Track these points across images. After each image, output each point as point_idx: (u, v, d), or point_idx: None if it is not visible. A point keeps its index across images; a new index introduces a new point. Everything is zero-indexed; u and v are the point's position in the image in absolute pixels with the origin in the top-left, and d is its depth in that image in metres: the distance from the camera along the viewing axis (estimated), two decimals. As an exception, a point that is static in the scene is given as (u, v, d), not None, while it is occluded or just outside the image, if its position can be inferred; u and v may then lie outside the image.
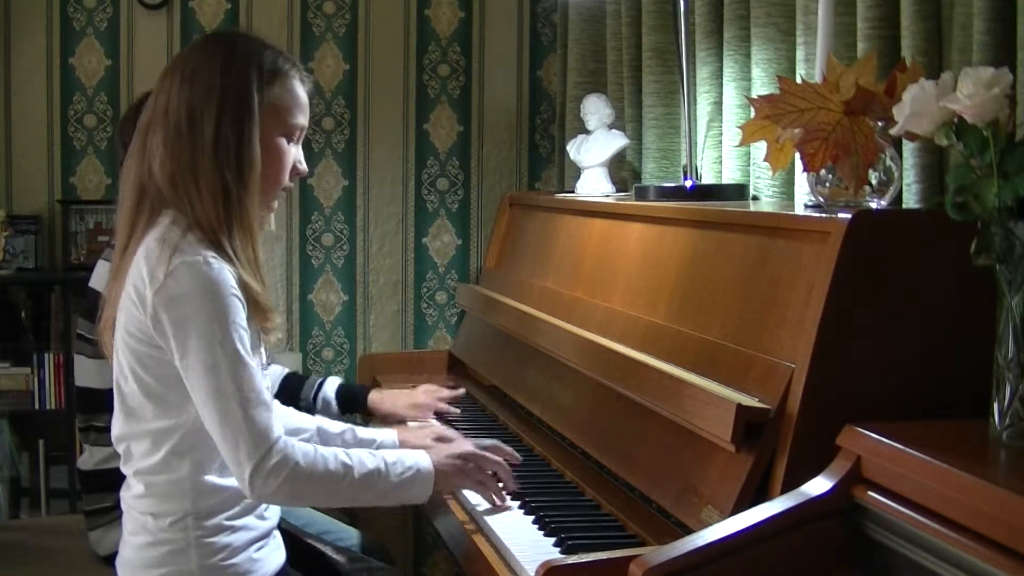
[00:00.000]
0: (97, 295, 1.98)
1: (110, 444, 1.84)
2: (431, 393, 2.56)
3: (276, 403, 2.11)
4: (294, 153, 1.82)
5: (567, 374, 2.23)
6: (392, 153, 3.60)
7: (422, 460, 1.81)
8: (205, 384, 1.64)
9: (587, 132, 2.97)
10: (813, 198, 1.80)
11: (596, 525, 1.80)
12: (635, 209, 2.29)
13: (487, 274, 3.19)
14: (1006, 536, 1.13)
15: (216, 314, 1.65)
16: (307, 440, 2.00)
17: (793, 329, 1.60)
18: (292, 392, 2.48)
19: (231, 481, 1.70)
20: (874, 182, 1.70)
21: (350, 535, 2.41)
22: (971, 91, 1.33)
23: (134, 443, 1.75)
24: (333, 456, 1.73)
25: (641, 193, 2.51)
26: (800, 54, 2.20)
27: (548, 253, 2.73)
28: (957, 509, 1.21)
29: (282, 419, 2.05)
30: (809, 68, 2.14)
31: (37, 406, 3.27)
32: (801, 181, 2.16)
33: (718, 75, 2.58)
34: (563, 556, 1.60)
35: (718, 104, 2.59)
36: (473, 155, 3.65)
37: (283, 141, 1.79)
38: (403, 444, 2.08)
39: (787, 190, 2.30)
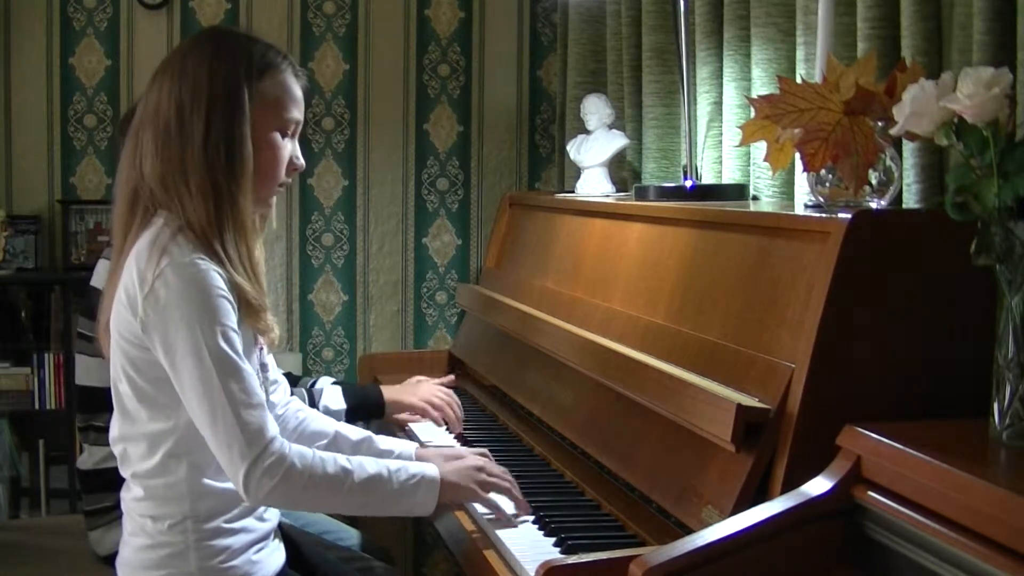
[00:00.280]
0: (98, 294, 1.98)
1: (109, 444, 1.84)
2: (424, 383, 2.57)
3: (302, 403, 2.11)
4: (290, 148, 1.80)
5: (567, 374, 2.23)
6: (392, 153, 3.60)
7: (428, 469, 1.78)
8: (194, 387, 1.63)
9: (587, 132, 2.97)
10: (813, 198, 1.80)
11: (596, 525, 1.80)
12: (635, 209, 2.29)
13: (487, 274, 3.19)
14: (1006, 536, 1.13)
15: (203, 317, 1.63)
16: (323, 447, 1.97)
17: (793, 329, 1.60)
18: None
19: (229, 484, 1.69)
20: (874, 182, 1.70)
21: (350, 535, 2.41)
22: (971, 91, 1.33)
23: (131, 445, 1.75)
24: (332, 460, 1.71)
25: (641, 193, 2.51)
26: (800, 54, 2.20)
27: (548, 253, 2.73)
28: (957, 509, 1.21)
29: (306, 421, 2.05)
30: (809, 68, 2.14)
31: (37, 406, 3.27)
32: (801, 181, 2.16)
33: (718, 75, 2.58)
34: (563, 556, 1.60)
35: (718, 104, 2.59)
36: (473, 155, 3.65)
37: (277, 136, 1.77)
38: (420, 459, 1.96)
39: (787, 190, 2.30)
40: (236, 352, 1.65)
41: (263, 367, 1.87)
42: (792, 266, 1.66)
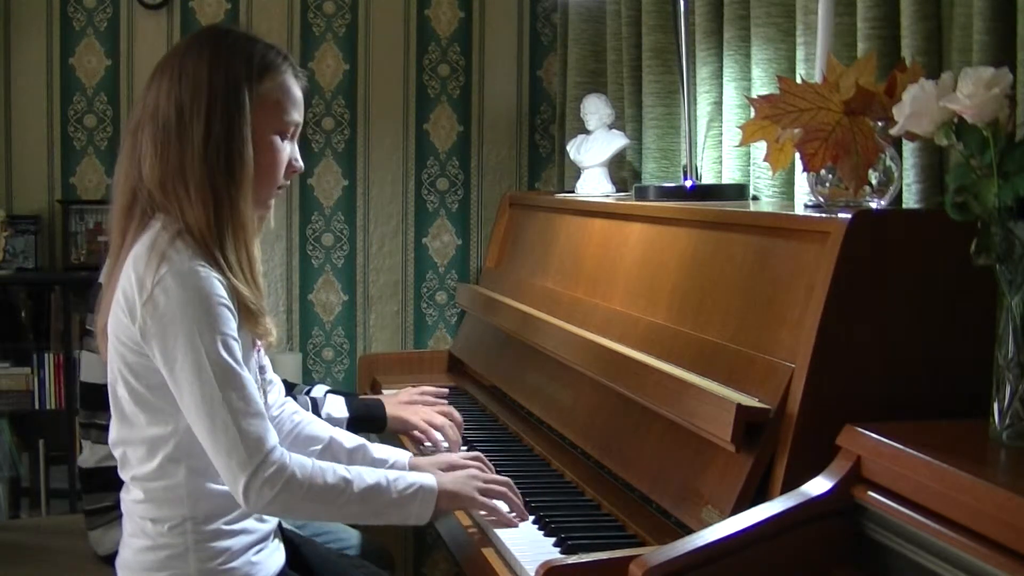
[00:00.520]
0: (105, 290, 1.98)
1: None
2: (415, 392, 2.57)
3: (297, 406, 2.10)
4: (289, 150, 1.79)
5: (567, 374, 2.23)
6: (392, 153, 3.60)
7: (426, 479, 1.78)
8: (194, 396, 1.62)
9: (587, 132, 2.97)
10: (813, 198, 1.80)
11: (596, 525, 1.80)
12: (635, 209, 2.29)
13: (487, 274, 3.19)
14: (1006, 536, 1.13)
15: (203, 325, 1.62)
16: (317, 453, 1.97)
17: (793, 329, 1.60)
18: None
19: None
20: (874, 182, 1.70)
21: (350, 536, 2.41)
22: (971, 91, 1.33)
23: (130, 449, 1.74)
24: (332, 470, 1.70)
25: (641, 193, 2.51)
26: (800, 54, 2.20)
27: (548, 253, 2.73)
28: (957, 509, 1.21)
29: (300, 425, 2.04)
30: (809, 68, 2.14)
31: (37, 406, 3.27)
32: (801, 181, 2.16)
33: (718, 75, 2.58)
34: (563, 556, 1.60)
35: (718, 104, 2.59)
36: (473, 155, 3.65)
37: (276, 139, 1.75)
38: (413, 468, 1.96)
39: (787, 190, 2.30)
40: (236, 360, 1.65)
41: (261, 369, 1.87)
42: (792, 266, 1.66)
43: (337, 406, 2.36)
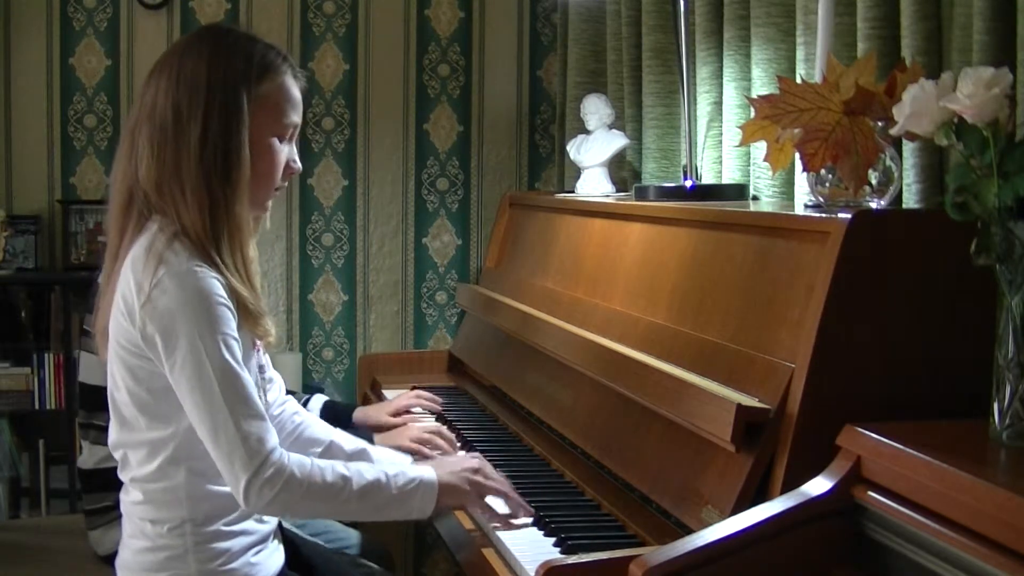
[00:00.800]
0: (103, 292, 1.98)
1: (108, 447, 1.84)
2: (408, 396, 2.58)
3: (299, 406, 2.10)
4: (287, 152, 1.78)
5: (567, 374, 2.23)
6: (392, 153, 3.60)
7: (425, 473, 1.78)
8: (196, 397, 1.62)
9: (587, 132, 2.97)
10: (813, 198, 1.80)
11: (596, 525, 1.80)
12: (635, 209, 2.29)
13: (487, 274, 3.19)
14: (1006, 536, 1.13)
15: (203, 326, 1.62)
16: (317, 456, 1.97)
17: (793, 329, 1.60)
18: None
19: (228, 487, 1.68)
20: (874, 182, 1.70)
21: (350, 536, 2.41)
22: (971, 91, 1.33)
23: (130, 451, 1.74)
24: (331, 468, 1.70)
25: (641, 193, 2.51)
26: (800, 54, 2.20)
27: (548, 253, 2.73)
28: (957, 509, 1.21)
29: (302, 426, 2.05)
30: (809, 68, 2.14)
31: (37, 406, 3.27)
32: (801, 181, 2.16)
33: (718, 75, 2.58)
34: (563, 556, 1.60)
35: (718, 104, 2.59)
36: (473, 155, 3.65)
37: (275, 141, 1.74)
38: None
39: (787, 190, 2.30)
40: (237, 361, 1.64)
41: (260, 368, 1.87)
42: (792, 266, 1.66)
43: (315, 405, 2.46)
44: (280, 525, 1.90)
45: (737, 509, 1.48)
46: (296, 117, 1.78)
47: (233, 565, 1.73)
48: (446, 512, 1.87)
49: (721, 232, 1.90)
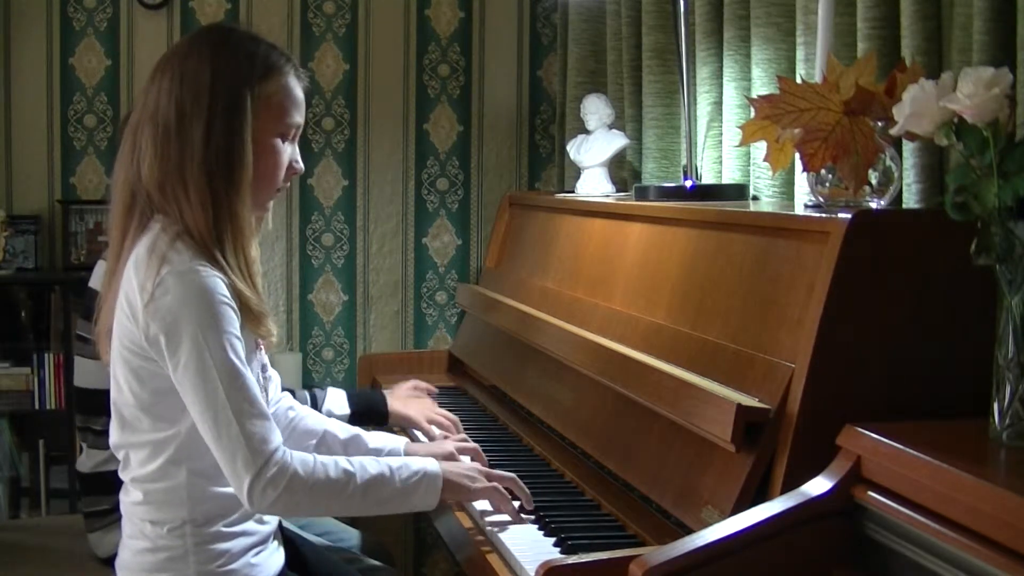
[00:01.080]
0: (96, 295, 1.98)
1: (107, 447, 1.83)
2: (406, 387, 2.59)
3: (293, 401, 2.10)
4: (289, 152, 1.78)
5: (567, 374, 2.23)
6: (392, 153, 3.60)
7: (429, 465, 1.78)
8: (199, 397, 1.62)
9: (587, 132, 2.97)
10: (813, 198, 1.80)
11: (596, 525, 1.80)
12: (635, 209, 2.29)
13: (487, 274, 3.19)
14: (1006, 536, 1.13)
15: (207, 325, 1.62)
16: (314, 446, 1.98)
17: (793, 329, 1.60)
18: None
19: (229, 488, 1.68)
20: (874, 182, 1.70)
21: (350, 536, 2.41)
22: (971, 91, 1.33)
23: (132, 451, 1.74)
24: (334, 464, 1.70)
25: (641, 193, 2.51)
26: (800, 54, 2.20)
27: (548, 253, 2.73)
28: (957, 509, 1.20)
29: (296, 419, 2.05)
30: (809, 68, 2.14)
31: (37, 406, 3.27)
32: (801, 181, 2.16)
33: (718, 75, 2.58)
34: (563, 556, 1.60)
35: (718, 104, 2.59)
36: (473, 155, 3.65)
37: (277, 142, 1.74)
38: (409, 454, 1.98)
39: (787, 190, 2.30)
40: (240, 360, 1.64)
41: (262, 367, 1.87)
42: (792, 266, 1.66)
43: (338, 402, 2.37)
44: (280, 525, 1.90)
45: (737, 509, 1.48)
46: (299, 117, 1.78)
47: (233, 566, 1.73)
48: (451, 503, 1.88)
49: (721, 232, 1.90)
